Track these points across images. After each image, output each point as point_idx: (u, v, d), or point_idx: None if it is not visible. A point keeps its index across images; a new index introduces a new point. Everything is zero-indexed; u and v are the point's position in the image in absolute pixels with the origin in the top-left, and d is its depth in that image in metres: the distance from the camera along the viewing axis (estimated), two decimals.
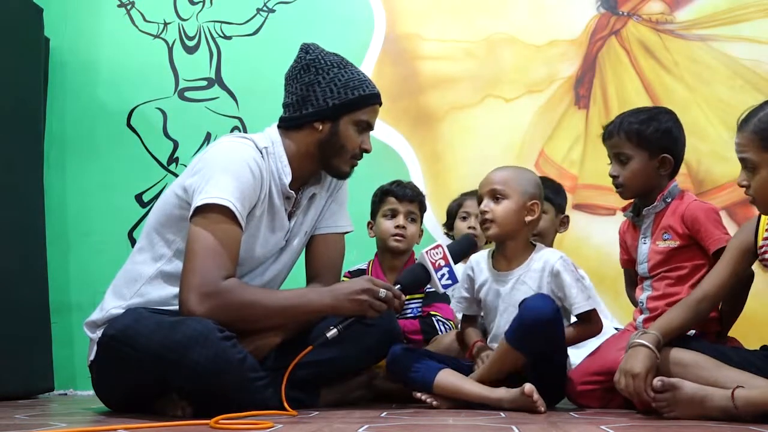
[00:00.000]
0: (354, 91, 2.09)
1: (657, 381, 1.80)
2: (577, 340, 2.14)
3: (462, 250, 2.16)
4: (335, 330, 1.93)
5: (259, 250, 2.08)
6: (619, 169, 2.20)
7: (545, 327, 1.98)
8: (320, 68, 2.09)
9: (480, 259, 2.26)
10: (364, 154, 2.18)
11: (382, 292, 1.97)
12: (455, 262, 2.08)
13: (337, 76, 2.09)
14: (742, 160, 1.83)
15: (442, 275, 2.06)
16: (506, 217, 2.14)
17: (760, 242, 1.94)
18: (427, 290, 2.67)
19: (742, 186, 1.86)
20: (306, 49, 2.14)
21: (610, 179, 2.24)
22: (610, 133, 2.22)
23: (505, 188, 2.16)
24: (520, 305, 2.03)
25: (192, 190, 1.96)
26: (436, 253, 2.06)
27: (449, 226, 2.99)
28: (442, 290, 2.13)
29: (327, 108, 2.08)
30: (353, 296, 1.96)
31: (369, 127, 2.15)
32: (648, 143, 2.17)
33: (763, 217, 1.96)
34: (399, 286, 2.04)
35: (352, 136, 2.11)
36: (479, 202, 2.22)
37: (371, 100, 2.13)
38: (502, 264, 2.21)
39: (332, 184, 2.24)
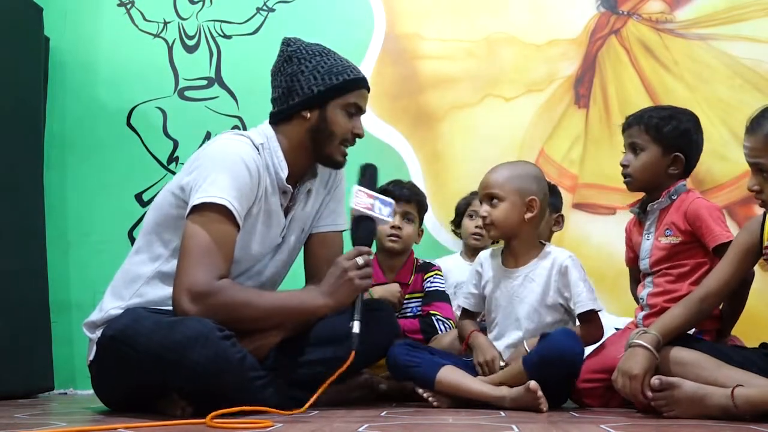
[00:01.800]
0: (338, 76, 2.07)
1: (655, 380, 1.80)
2: None
3: (368, 175, 2.12)
4: (356, 322, 1.91)
5: (255, 247, 2.07)
6: (631, 159, 2.22)
7: (567, 365, 2.02)
8: (302, 58, 2.08)
9: (489, 255, 2.30)
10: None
11: (360, 260, 1.97)
12: (372, 189, 2.06)
13: (320, 63, 2.07)
14: (753, 164, 1.80)
15: (379, 209, 2.04)
16: (504, 219, 2.17)
17: (766, 242, 1.92)
18: (427, 290, 2.67)
19: (752, 191, 1.83)
20: (287, 42, 2.14)
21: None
22: (629, 123, 2.25)
23: (500, 191, 2.18)
24: (542, 338, 2.05)
25: (189, 189, 1.95)
26: (359, 197, 2.03)
27: (457, 223, 3.01)
28: (389, 220, 2.11)
29: (313, 95, 2.06)
30: (341, 281, 1.96)
31: (359, 110, 2.12)
32: (664, 139, 2.19)
33: None
34: (361, 246, 2.01)
35: (342, 121, 2.09)
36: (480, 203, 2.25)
37: (357, 83, 2.11)
38: (510, 261, 2.24)
39: (330, 180, 2.23)
